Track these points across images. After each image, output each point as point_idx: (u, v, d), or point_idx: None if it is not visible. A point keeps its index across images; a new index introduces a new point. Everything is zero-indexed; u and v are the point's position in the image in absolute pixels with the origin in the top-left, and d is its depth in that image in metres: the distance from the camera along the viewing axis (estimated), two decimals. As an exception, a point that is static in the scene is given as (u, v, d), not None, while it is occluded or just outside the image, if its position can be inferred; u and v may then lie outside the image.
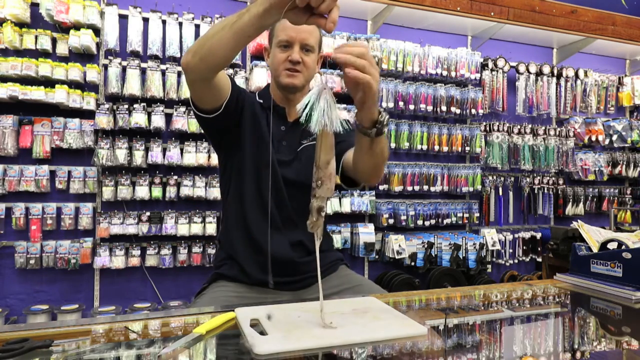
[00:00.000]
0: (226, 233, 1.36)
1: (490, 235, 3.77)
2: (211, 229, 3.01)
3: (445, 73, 3.61)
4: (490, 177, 3.89)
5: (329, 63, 3.23)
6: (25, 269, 2.80)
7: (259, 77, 3.04)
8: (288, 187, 1.31)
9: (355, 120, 1.01)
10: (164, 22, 3.01)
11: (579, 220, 1.66)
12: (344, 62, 0.85)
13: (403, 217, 3.49)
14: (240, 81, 3.07)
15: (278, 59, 1.29)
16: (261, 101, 1.37)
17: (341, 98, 3.39)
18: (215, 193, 3.03)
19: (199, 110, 1.21)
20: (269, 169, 1.28)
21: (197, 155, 3.00)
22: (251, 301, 1.16)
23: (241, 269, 1.30)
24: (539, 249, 3.99)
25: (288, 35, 1.27)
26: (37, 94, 2.71)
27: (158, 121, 2.92)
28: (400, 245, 3.41)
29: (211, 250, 3.05)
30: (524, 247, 3.99)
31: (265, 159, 1.29)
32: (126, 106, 2.87)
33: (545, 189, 4.07)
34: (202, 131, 2.99)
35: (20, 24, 2.78)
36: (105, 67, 2.89)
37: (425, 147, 3.58)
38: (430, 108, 3.56)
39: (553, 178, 4.10)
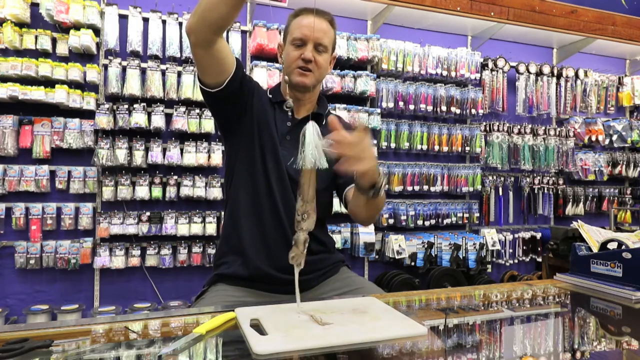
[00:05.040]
0: (232, 223, 1.34)
1: (490, 235, 3.77)
2: (211, 229, 3.01)
3: (445, 73, 3.61)
4: (490, 177, 3.89)
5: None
6: (25, 269, 2.80)
7: (259, 77, 3.04)
8: (292, 183, 1.31)
9: (355, 180, 1.11)
10: (164, 22, 3.01)
11: (579, 220, 1.66)
12: (340, 155, 0.95)
13: (403, 217, 3.49)
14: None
15: (291, 56, 1.30)
16: (270, 96, 1.38)
17: (340, 98, 3.39)
18: (215, 193, 3.03)
19: (204, 85, 1.23)
20: (274, 163, 1.29)
21: (197, 155, 2.99)
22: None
23: (244, 261, 1.28)
24: (539, 249, 3.99)
25: (302, 34, 1.28)
26: (37, 94, 2.71)
27: (158, 121, 2.92)
28: (400, 245, 3.41)
29: (211, 250, 3.05)
30: (524, 247, 3.99)
31: (269, 151, 1.30)
32: (126, 106, 2.87)
33: (545, 189, 4.07)
34: (202, 131, 3.01)
35: (20, 24, 2.78)
36: (105, 67, 2.89)
37: (425, 147, 3.58)
38: (430, 108, 3.56)
39: (553, 178, 4.10)
